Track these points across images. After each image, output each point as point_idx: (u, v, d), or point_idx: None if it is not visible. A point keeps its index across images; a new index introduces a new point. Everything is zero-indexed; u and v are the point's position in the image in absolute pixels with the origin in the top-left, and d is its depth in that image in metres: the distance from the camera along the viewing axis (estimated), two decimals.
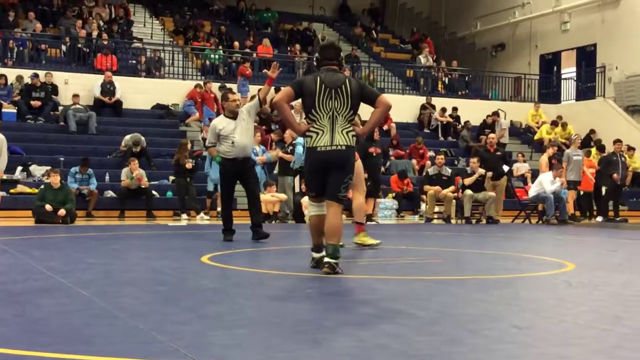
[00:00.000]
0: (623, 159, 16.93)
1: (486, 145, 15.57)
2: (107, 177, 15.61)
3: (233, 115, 8.83)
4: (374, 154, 14.29)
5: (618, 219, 16.26)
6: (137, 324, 3.69)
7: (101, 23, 21.53)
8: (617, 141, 16.78)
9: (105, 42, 20.18)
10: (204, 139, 17.68)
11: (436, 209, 15.24)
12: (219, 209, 15.04)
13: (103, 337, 3.40)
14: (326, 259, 5.67)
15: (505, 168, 15.26)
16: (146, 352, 3.09)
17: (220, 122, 8.91)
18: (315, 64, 6.10)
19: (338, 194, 5.74)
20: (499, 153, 15.32)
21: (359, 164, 7.93)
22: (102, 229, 11.89)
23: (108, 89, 18.36)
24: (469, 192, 14.63)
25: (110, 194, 15.08)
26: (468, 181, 14.63)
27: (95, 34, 20.48)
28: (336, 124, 5.70)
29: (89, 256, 7.04)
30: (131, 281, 5.40)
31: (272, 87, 9.12)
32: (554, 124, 21.63)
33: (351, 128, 5.77)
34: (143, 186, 14.67)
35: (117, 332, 3.50)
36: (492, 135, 16.34)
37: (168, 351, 3.11)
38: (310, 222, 6.02)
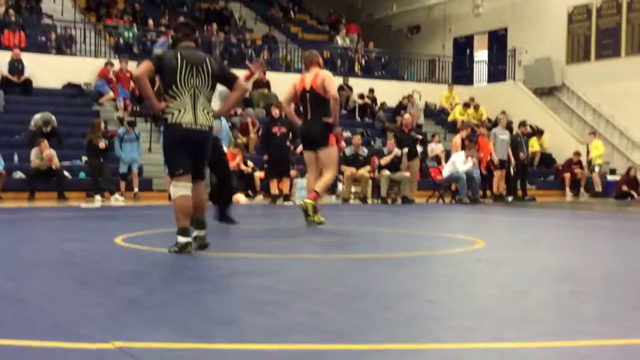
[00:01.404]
0: (525, 138, 17.49)
1: (401, 125, 15.82)
2: (15, 158, 15.09)
3: None
4: (278, 134, 14.35)
5: (526, 197, 16.82)
6: (47, 306, 3.60)
7: None
8: (522, 124, 17.39)
9: (13, 19, 19.40)
10: (120, 118, 17.41)
11: (353, 189, 15.39)
12: (135, 189, 14.82)
13: (10, 320, 3.29)
14: (202, 233, 5.76)
15: (419, 149, 15.53)
16: (55, 335, 3.02)
17: None
18: (171, 42, 6.09)
19: (201, 170, 5.85)
20: (413, 133, 15.60)
21: (334, 149, 8.43)
22: (10, 211, 11.49)
23: (16, 67, 17.69)
24: (385, 172, 14.84)
25: (19, 175, 14.59)
26: (384, 161, 14.83)
27: (2, 10, 19.66)
28: (197, 102, 5.64)
29: None
30: (41, 263, 5.25)
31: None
32: (466, 105, 22.13)
33: (210, 107, 5.81)
34: (54, 167, 14.25)
35: (25, 315, 3.40)
36: (407, 115, 16.60)
37: (79, 334, 3.04)
38: (177, 204, 5.63)
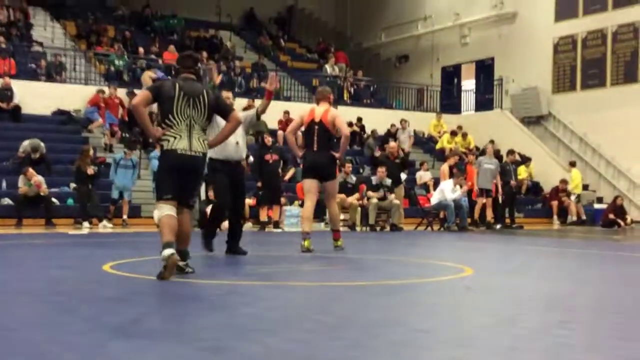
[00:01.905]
0: (514, 167, 17.63)
1: (387, 153, 15.92)
2: (3, 184, 15.04)
3: None
4: (271, 161, 14.39)
5: (514, 225, 16.87)
6: (32, 335, 3.56)
7: None
8: (511, 152, 17.58)
9: (3, 46, 19.43)
10: (107, 144, 17.40)
11: (341, 216, 15.38)
12: (124, 216, 14.76)
13: None
14: (183, 263, 5.85)
15: (403, 176, 15.60)
16: None
17: (218, 120, 7.58)
18: (173, 73, 6.27)
19: (190, 199, 5.93)
20: (398, 161, 15.70)
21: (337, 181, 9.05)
22: None
23: (5, 94, 17.68)
24: (374, 200, 14.86)
25: (7, 201, 14.51)
26: (375, 195, 14.84)
27: None
28: (193, 130, 5.81)
29: None
30: (26, 291, 5.20)
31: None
32: (454, 133, 22.27)
33: (205, 137, 5.97)
34: (42, 193, 14.19)
35: (8, 344, 3.36)
36: (392, 144, 16.73)
37: None
38: (162, 222, 5.72)
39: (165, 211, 5.73)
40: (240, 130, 7.67)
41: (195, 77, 6.05)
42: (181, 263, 5.82)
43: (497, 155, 18.74)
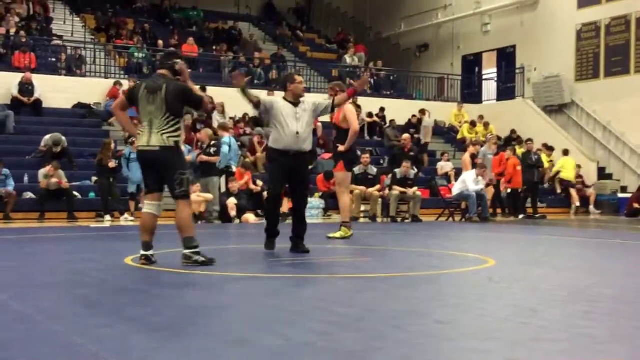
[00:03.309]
0: (537, 157, 17.52)
1: (401, 145, 15.98)
2: (25, 178, 15.15)
3: (295, 101, 7.39)
4: None
5: (537, 215, 16.76)
6: (57, 327, 3.60)
7: (17, 20, 20.84)
8: (528, 140, 17.53)
9: (24, 40, 19.58)
10: (125, 138, 17.43)
11: (362, 207, 15.37)
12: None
13: (20, 341, 3.29)
14: (184, 251, 6.08)
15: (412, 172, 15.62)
16: (65, 356, 3.01)
17: (280, 103, 7.42)
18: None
19: (174, 191, 6.12)
20: (412, 153, 15.71)
21: (343, 174, 9.29)
22: (20, 231, 11.52)
23: (26, 88, 17.82)
24: (395, 192, 14.82)
25: (29, 195, 14.64)
26: (399, 189, 14.84)
27: (13, 31, 19.85)
28: (153, 126, 6.08)
29: (6, 259, 6.82)
30: (51, 284, 5.26)
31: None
32: (473, 123, 22.15)
33: (172, 130, 6.08)
34: (63, 187, 14.31)
35: (35, 336, 3.40)
36: (405, 135, 16.71)
37: (87, 355, 3.04)
38: (141, 219, 6.41)
39: (144, 208, 6.33)
40: (305, 120, 7.30)
41: (171, 74, 6.24)
42: (147, 252, 6.19)
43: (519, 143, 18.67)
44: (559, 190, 19.96)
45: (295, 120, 7.23)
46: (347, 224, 9.43)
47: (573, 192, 19.46)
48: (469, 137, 21.13)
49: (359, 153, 10.38)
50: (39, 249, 8.54)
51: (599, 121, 21.63)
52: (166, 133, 6.06)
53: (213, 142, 14.24)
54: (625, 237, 10.97)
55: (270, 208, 7.55)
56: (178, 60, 6.33)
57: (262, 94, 18.26)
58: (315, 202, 16.09)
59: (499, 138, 21.24)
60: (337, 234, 9.33)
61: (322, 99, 8.32)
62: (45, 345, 3.22)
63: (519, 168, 16.72)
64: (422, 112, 21.64)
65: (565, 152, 20.23)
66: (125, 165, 14.61)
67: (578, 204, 19.36)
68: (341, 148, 9.28)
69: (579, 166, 20.09)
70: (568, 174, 19.82)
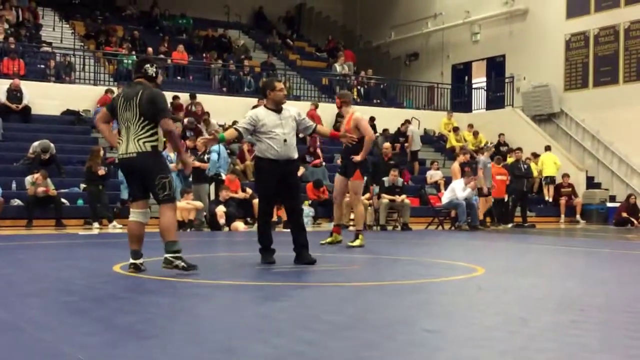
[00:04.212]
0: (526, 166, 17.60)
1: (381, 154, 16.02)
2: (13, 185, 15.06)
3: (277, 108, 7.18)
4: None
5: (526, 224, 16.80)
6: (43, 335, 3.56)
7: (6, 26, 20.75)
8: (517, 149, 17.63)
9: (13, 46, 19.51)
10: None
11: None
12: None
13: (6, 350, 3.26)
14: (165, 255, 6.04)
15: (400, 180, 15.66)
16: None
17: (262, 114, 7.17)
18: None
19: (158, 196, 6.09)
20: (392, 162, 15.76)
21: (359, 183, 9.40)
22: (7, 238, 11.43)
23: (15, 95, 17.74)
24: (384, 200, 14.83)
25: (17, 202, 14.56)
26: (388, 197, 14.87)
27: (1, 37, 19.77)
28: (130, 132, 6.09)
29: None
30: (38, 292, 5.21)
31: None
32: (456, 130, 22.25)
33: (147, 135, 6.06)
34: (51, 194, 14.24)
35: (21, 345, 3.37)
36: (386, 144, 16.76)
37: None
38: (128, 227, 6.41)
39: (130, 217, 6.29)
40: (290, 126, 7.12)
41: (147, 80, 6.24)
42: (136, 261, 6.22)
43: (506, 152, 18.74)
44: (547, 197, 20.05)
45: (281, 127, 7.07)
46: (361, 231, 9.67)
47: (552, 188, 19.66)
48: (457, 145, 21.18)
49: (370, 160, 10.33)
50: (26, 256, 8.48)
51: (587, 130, 21.73)
52: (142, 138, 6.04)
53: (207, 150, 14.31)
54: (613, 246, 11.01)
55: (261, 223, 7.35)
56: (147, 65, 6.31)
57: (251, 103, 18.33)
58: (304, 210, 16.04)
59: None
60: (356, 242, 9.43)
61: (307, 116, 8.09)
62: (31, 354, 3.19)
63: (499, 178, 16.71)
64: (407, 121, 21.66)
65: (547, 148, 20.44)
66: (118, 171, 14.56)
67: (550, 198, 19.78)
68: (357, 158, 9.30)
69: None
70: (549, 170, 20.09)
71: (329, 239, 9.77)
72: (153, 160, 6.08)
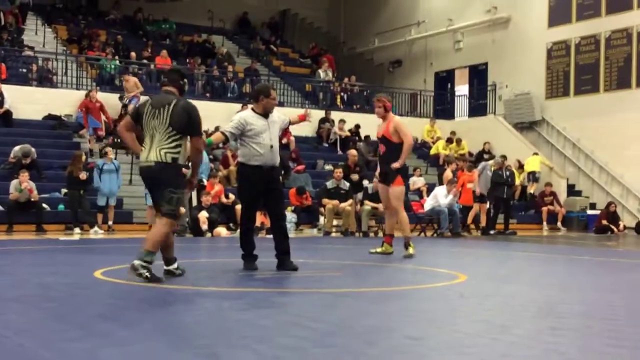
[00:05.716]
0: (508, 172, 17.69)
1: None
2: None
3: (264, 114, 7.14)
4: None
5: (508, 231, 16.89)
6: (24, 341, 3.54)
7: None
8: (502, 157, 17.78)
9: None
10: (89, 150, 17.27)
11: (335, 222, 15.38)
12: (110, 222, 14.69)
13: None
14: (134, 261, 5.83)
15: (365, 182, 15.73)
16: None
17: (250, 118, 7.11)
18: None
19: (161, 207, 6.02)
20: (357, 168, 15.96)
21: (401, 189, 9.19)
22: None
23: None
24: (367, 207, 14.86)
25: None
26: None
27: None
28: (154, 140, 6.02)
29: None
30: (18, 297, 5.17)
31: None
32: (449, 140, 22.33)
33: (172, 146, 5.97)
34: (33, 199, 14.13)
35: (2, 351, 3.34)
36: (352, 151, 16.89)
37: None
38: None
39: (155, 224, 6.23)
40: (275, 132, 7.13)
41: (177, 92, 6.18)
42: (169, 267, 6.33)
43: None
44: (530, 190, 20.44)
45: (268, 132, 7.04)
46: (410, 238, 9.44)
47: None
48: (444, 154, 21.26)
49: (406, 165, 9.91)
50: (7, 261, 8.41)
51: (568, 138, 21.91)
52: (164, 149, 5.95)
53: None
54: (594, 254, 11.09)
55: (244, 229, 7.31)
56: (185, 80, 6.34)
57: (235, 108, 18.31)
58: (287, 216, 16.04)
59: (470, 154, 21.44)
60: (410, 251, 9.25)
61: (283, 115, 7.92)
62: None
63: (469, 186, 16.74)
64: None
65: (535, 154, 20.94)
66: (97, 176, 14.49)
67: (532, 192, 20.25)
68: (396, 165, 9.01)
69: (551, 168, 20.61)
70: (533, 167, 20.59)
71: (379, 249, 9.50)
72: (169, 172, 5.98)
